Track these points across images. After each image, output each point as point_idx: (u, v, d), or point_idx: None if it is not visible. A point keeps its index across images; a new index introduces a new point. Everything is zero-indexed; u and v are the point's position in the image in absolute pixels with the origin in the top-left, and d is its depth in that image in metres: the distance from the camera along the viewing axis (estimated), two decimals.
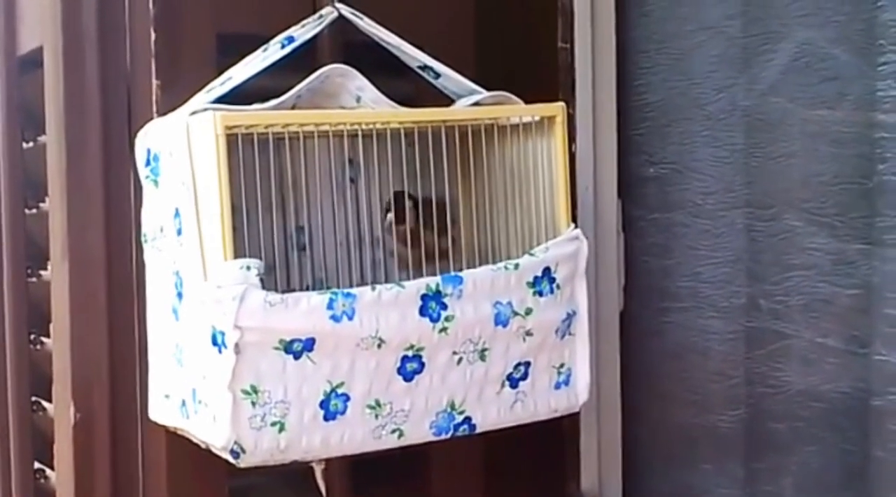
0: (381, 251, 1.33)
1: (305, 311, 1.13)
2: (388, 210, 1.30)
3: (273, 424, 1.13)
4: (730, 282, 1.45)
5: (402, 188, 1.29)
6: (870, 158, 1.30)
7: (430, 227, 1.29)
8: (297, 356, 1.13)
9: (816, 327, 1.36)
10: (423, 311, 1.18)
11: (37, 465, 1.65)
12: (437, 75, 1.31)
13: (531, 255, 1.26)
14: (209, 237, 1.13)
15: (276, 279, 1.23)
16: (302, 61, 1.26)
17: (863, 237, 1.32)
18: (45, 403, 1.64)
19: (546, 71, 1.56)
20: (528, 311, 1.24)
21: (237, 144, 1.16)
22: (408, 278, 1.21)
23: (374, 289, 1.16)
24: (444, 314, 1.19)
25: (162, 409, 1.25)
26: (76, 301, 1.39)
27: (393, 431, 1.19)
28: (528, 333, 1.25)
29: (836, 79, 1.33)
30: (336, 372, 1.15)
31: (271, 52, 1.24)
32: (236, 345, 1.11)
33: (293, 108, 1.22)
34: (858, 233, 1.32)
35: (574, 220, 1.31)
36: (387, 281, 1.26)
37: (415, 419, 1.20)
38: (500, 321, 1.22)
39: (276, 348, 1.12)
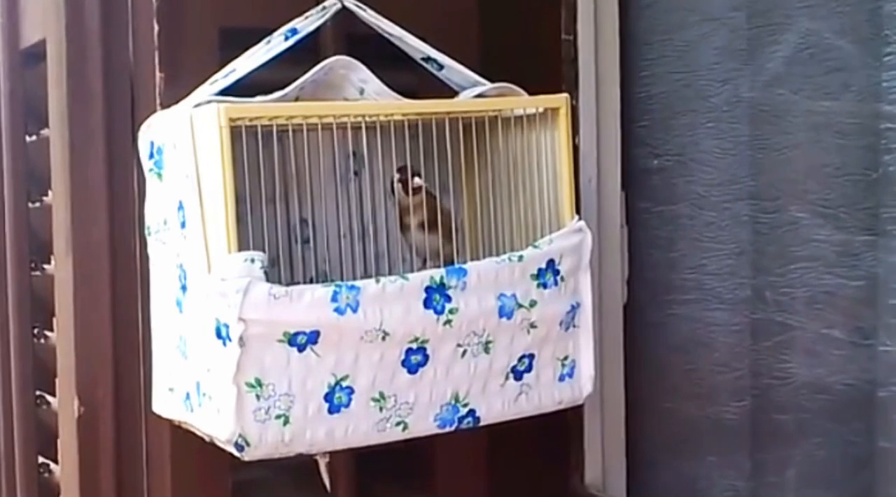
0: (386, 243, 1.32)
1: (309, 303, 1.13)
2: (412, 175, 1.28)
3: (277, 417, 1.13)
4: (734, 273, 1.44)
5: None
6: (875, 149, 1.30)
7: (435, 231, 1.29)
8: (301, 349, 1.13)
9: (821, 319, 1.36)
10: (427, 304, 1.18)
11: (41, 459, 1.65)
12: (441, 67, 1.30)
13: (535, 247, 1.26)
14: (213, 230, 1.13)
15: (280, 272, 1.23)
16: (305, 53, 1.26)
17: (868, 228, 1.32)
18: (48, 397, 1.64)
19: (549, 62, 1.56)
20: (533, 304, 1.24)
21: (241, 137, 1.16)
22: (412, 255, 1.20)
23: (377, 281, 1.16)
24: (448, 306, 1.19)
25: (166, 403, 1.25)
26: (80, 294, 1.39)
27: (397, 424, 1.19)
28: (533, 326, 1.24)
29: (840, 70, 1.33)
30: (340, 365, 1.15)
31: (274, 45, 1.24)
32: (240, 337, 1.10)
33: (296, 100, 1.22)
34: (863, 224, 1.32)
35: (578, 212, 1.31)
36: (391, 273, 1.26)
37: (419, 412, 1.20)
38: (505, 313, 1.22)
39: (281, 341, 1.12)
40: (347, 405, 1.16)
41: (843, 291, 1.34)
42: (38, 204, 1.63)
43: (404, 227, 1.31)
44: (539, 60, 1.56)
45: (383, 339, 1.16)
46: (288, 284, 1.15)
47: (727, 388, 1.46)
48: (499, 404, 1.25)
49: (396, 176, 1.29)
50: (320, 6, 1.28)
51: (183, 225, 1.17)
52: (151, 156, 1.23)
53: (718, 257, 1.46)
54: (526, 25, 1.58)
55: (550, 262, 1.26)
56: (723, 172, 1.45)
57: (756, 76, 1.41)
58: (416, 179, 1.28)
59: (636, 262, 1.56)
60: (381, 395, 1.18)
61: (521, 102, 1.30)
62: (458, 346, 1.20)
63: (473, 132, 1.29)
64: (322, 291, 1.14)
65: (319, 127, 1.20)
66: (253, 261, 1.11)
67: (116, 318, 1.40)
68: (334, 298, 1.14)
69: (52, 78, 1.42)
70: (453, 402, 1.22)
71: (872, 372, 1.32)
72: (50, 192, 1.49)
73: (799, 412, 1.39)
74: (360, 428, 1.17)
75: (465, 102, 1.28)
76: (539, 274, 1.25)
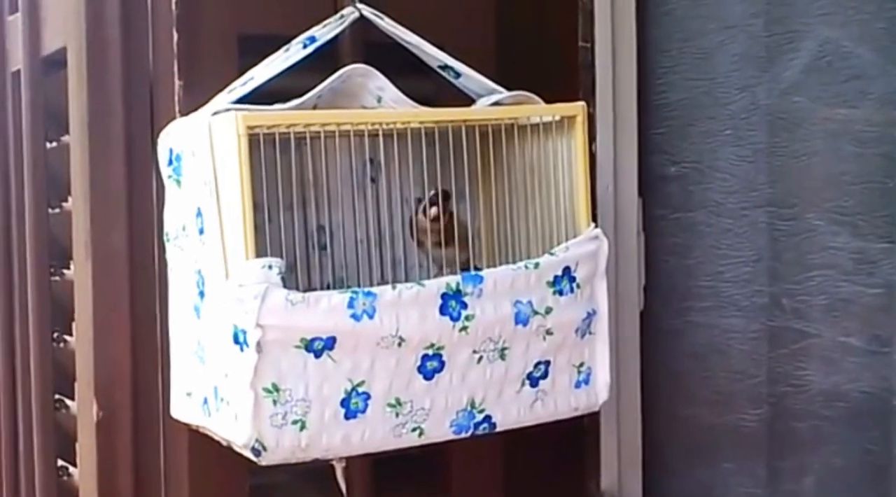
0: (402, 250, 1.33)
1: (326, 309, 1.13)
2: (431, 203, 1.29)
3: (294, 422, 1.14)
4: (752, 281, 1.44)
5: (422, 188, 1.30)
6: (891, 157, 1.30)
7: (451, 243, 1.30)
8: (318, 355, 1.14)
9: (838, 326, 1.36)
10: (443, 310, 1.18)
11: (60, 462, 1.67)
12: (458, 75, 1.31)
13: (551, 254, 1.26)
14: (231, 236, 1.14)
15: (298, 278, 1.24)
16: (323, 61, 1.27)
17: (885, 236, 1.31)
18: (67, 401, 1.65)
19: (566, 70, 1.56)
20: (549, 311, 1.24)
21: (259, 144, 1.17)
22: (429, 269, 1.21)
23: (394, 288, 1.17)
24: (464, 313, 1.19)
25: (184, 407, 1.26)
26: (99, 300, 1.40)
27: (413, 430, 1.20)
28: (549, 332, 1.25)
29: (858, 78, 1.32)
30: (357, 370, 1.16)
31: (293, 53, 1.24)
32: (258, 343, 1.11)
33: (314, 108, 1.22)
34: (880, 232, 1.32)
35: (594, 219, 1.31)
36: (407, 280, 1.26)
37: (435, 418, 1.20)
38: (521, 320, 1.22)
39: (298, 347, 1.13)
40: (363, 411, 1.17)
41: (860, 299, 1.34)
42: (58, 210, 1.64)
43: (420, 243, 1.31)
44: (556, 68, 1.57)
45: (399, 345, 1.16)
46: (305, 290, 1.15)
47: (744, 396, 1.46)
48: (514, 410, 1.25)
49: (425, 205, 1.28)
50: (338, 15, 1.29)
51: (201, 231, 1.18)
52: (170, 163, 1.23)
53: (735, 264, 1.46)
54: (543, 33, 1.59)
55: (566, 270, 1.26)
56: (740, 180, 1.45)
57: (774, 84, 1.40)
58: (434, 210, 1.27)
59: (653, 269, 1.56)
60: (397, 400, 1.18)
61: (537, 110, 1.30)
62: (474, 352, 1.21)
63: (490, 139, 1.29)
64: (339, 298, 1.14)
65: (337, 134, 1.21)
66: (270, 267, 1.12)
67: (135, 323, 1.41)
68: (351, 304, 1.14)
69: (73, 85, 1.44)
70: (469, 408, 1.22)
71: (889, 380, 1.32)
72: (70, 198, 1.50)
73: (816, 420, 1.39)
74: (376, 433, 1.18)
75: (481, 110, 1.29)
76: (555, 281, 1.25)
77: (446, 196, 1.28)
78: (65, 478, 1.66)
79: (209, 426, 1.20)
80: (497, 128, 1.30)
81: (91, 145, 1.40)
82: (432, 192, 1.29)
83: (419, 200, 1.31)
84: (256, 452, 1.14)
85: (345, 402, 1.16)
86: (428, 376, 1.19)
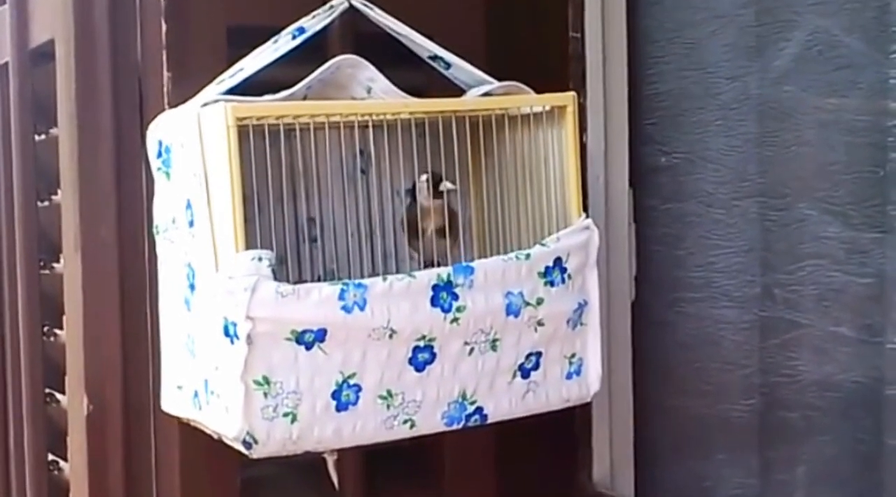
0: (393, 242, 1.33)
1: (317, 301, 1.13)
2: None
3: (285, 415, 1.13)
4: (743, 271, 1.44)
5: (413, 180, 1.30)
6: (882, 147, 1.30)
7: (451, 235, 1.29)
8: (308, 347, 1.14)
9: (830, 316, 1.36)
10: (434, 302, 1.18)
11: (50, 456, 1.66)
12: (448, 65, 1.31)
13: (542, 245, 1.26)
14: (221, 228, 1.13)
15: (288, 270, 1.23)
16: (313, 52, 1.26)
17: (876, 226, 1.31)
18: (58, 395, 1.65)
19: (557, 60, 1.56)
20: (540, 301, 1.24)
21: (248, 136, 1.16)
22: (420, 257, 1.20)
23: (385, 279, 1.16)
24: (455, 304, 1.19)
25: (174, 401, 1.25)
26: (89, 293, 1.40)
27: (405, 422, 1.19)
28: (540, 323, 1.24)
29: (848, 67, 1.32)
30: (348, 362, 1.15)
31: (282, 44, 1.24)
32: (248, 336, 1.11)
33: (304, 99, 1.22)
34: (871, 221, 1.32)
35: (585, 209, 1.31)
36: (398, 272, 1.26)
37: (426, 409, 1.20)
38: (512, 311, 1.22)
39: (288, 339, 1.13)
40: (355, 403, 1.16)
41: (851, 289, 1.34)
42: (46, 203, 1.64)
43: (417, 232, 1.30)
44: (546, 58, 1.56)
45: (390, 337, 1.16)
46: (296, 283, 1.15)
47: (736, 386, 1.46)
48: (506, 402, 1.25)
49: (423, 177, 1.28)
50: (328, 5, 1.28)
51: (191, 224, 1.17)
52: (160, 155, 1.23)
53: (727, 255, 1.46)
54: (533, 23, 1.58)
55: (558, 260, 1.26)
56: (731, 170, 1.45)
57: (764, 73, 1.40)
58: (448, 183, 1.27)
59: (644, 260, 1.56)
60: (389, 392, 1.18)
61: (528, 100, 1.30)
62: (466, 343, 1.20)
63: (481, 130, 1.29)
64: (329, 290, 1.14)
65: (327, 126, 1.20)
66: (261, 259, 1.12)
67: (125, 316, 1.40)
68: (342, 296, 1.14)
69: (61, 77, 1.43)
70: (461, 399, 1.22)
71: (881, 369, 1.32)
72: (59, 191, 1.49)
73: (807, 410, 1.39)
74: (368, 426, 1.18)
75: (472, 101, 1.29)
76: (546, 272, 1.25)
77: (438, 180, 1.28)
78: (55, 472, 1.66)
79: (200, 419, 1.20)
80: (487, 118, 1.30)
81: (80, 138, 1.39)
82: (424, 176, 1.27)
83: (409, 191, 1.30)
84: (247, 445, 1.13)
85: (336, 395, 1.15)
86: (419, 368, 1.19)
